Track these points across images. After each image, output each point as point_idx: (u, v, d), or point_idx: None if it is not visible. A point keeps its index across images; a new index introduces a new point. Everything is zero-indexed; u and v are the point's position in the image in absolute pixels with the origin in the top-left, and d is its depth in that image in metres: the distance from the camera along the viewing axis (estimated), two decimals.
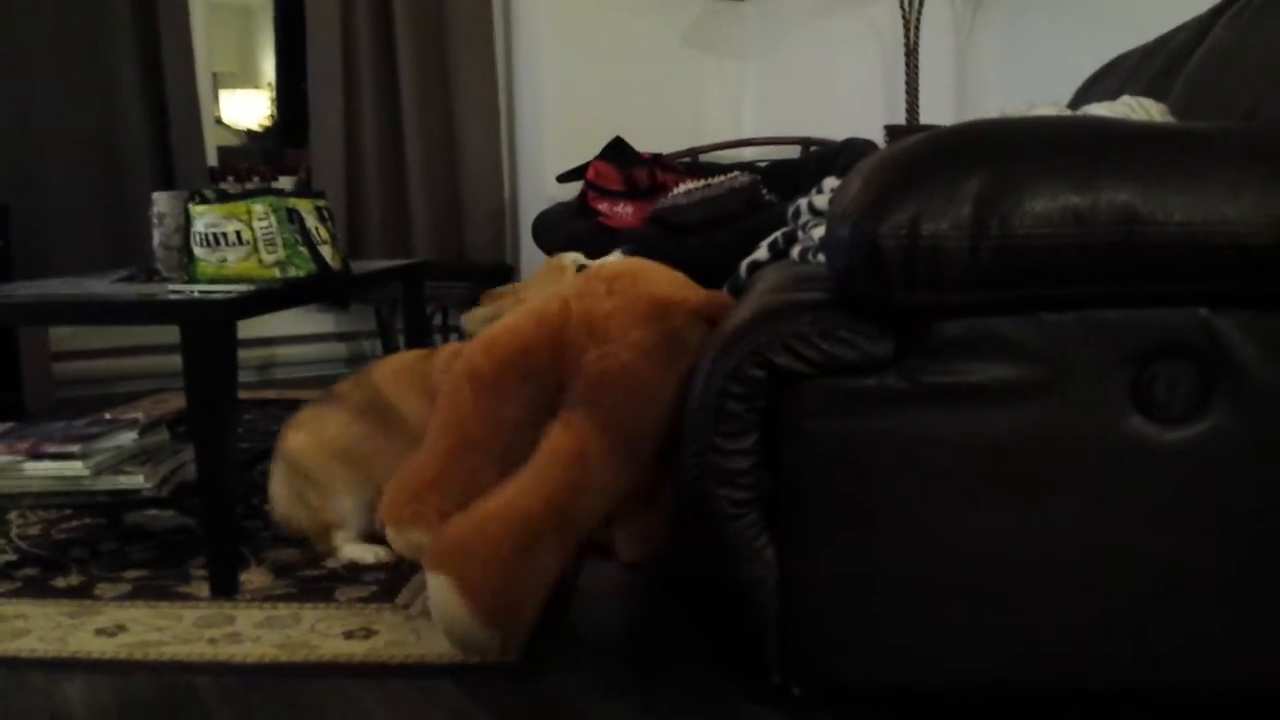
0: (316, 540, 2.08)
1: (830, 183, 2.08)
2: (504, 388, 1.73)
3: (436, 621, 1.54)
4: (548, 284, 2.12)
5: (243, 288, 1.99)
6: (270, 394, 3.74)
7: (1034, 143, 1.23)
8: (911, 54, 3.47)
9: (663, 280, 1.84)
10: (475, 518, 1.54)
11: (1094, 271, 1.21)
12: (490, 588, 1.50)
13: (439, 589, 1.51)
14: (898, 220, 1.19)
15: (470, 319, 2.13)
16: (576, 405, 1.65)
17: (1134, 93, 1.88)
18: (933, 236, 1.18)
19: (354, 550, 2.07)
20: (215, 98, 4.79)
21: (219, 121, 5.55)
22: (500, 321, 1.82)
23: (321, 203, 2.22)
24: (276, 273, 2.06)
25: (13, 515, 2.41)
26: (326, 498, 2.05)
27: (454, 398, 1.74)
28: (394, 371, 2.10)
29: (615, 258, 2.11)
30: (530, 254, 4.20)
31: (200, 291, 1.96)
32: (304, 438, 2.07)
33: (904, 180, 1.21)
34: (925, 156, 1.22)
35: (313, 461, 2.05)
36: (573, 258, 2.21)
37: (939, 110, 3.57)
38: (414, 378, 2.07)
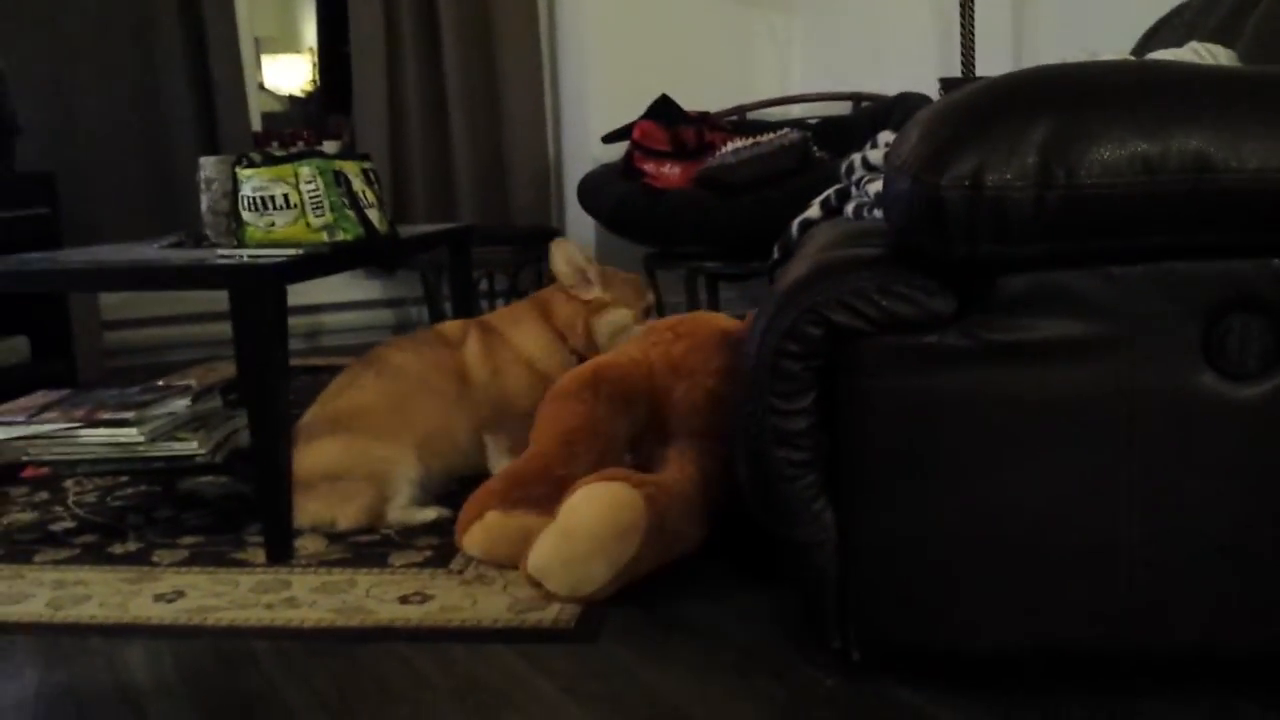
0: (370, 521, 2.06)
1: (885, 137, 2.03)
2: (608, 410, 1.90)
3: (568, 527, 1.64)
4: (630, 294, 2.31)
5: (291, 251, 1.98)
6: (318, 361, 3.75)
7: (1101, 89, 1.18)
8: (967, 3, 3.39)
9: (717, 317, 2.12)
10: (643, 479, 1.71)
11: (1164, 222, 1.16)
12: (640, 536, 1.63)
13: (607, 492, 1.63)
14: (960, 171, 1.15)
15: (564, 247, 2.27)
16: (680, 438, 1.88)
17: (1200, 39, 1.81)
18: (996, 187, 1.14)
19: (419, 514, 2.07)
20: (257, 63, 4.79)
21: (261, 87, 5.56)
22: (595, 360, 2.04)
23: (367, 165, 2.21)
24: (324, 236, 2.05)
25: (69, 483, 2.44)
26: (387, 458, 2.05)
27: (565, 406, 1.90)
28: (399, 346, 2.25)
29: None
30: (576, 216, 4.17)
31: (249, 256, 1.96)
32: (322, 424, 2.10)
33: (966, 129, 1.17)
34: (988, 104, 1.18)
35: (343, 443, 2.06)
36: (650, 299, 2.35)
37: (995, 62, 3.48)
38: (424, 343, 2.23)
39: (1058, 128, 1.15)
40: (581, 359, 2.19)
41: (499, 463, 2.14)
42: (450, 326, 2.30)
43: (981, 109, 1.19)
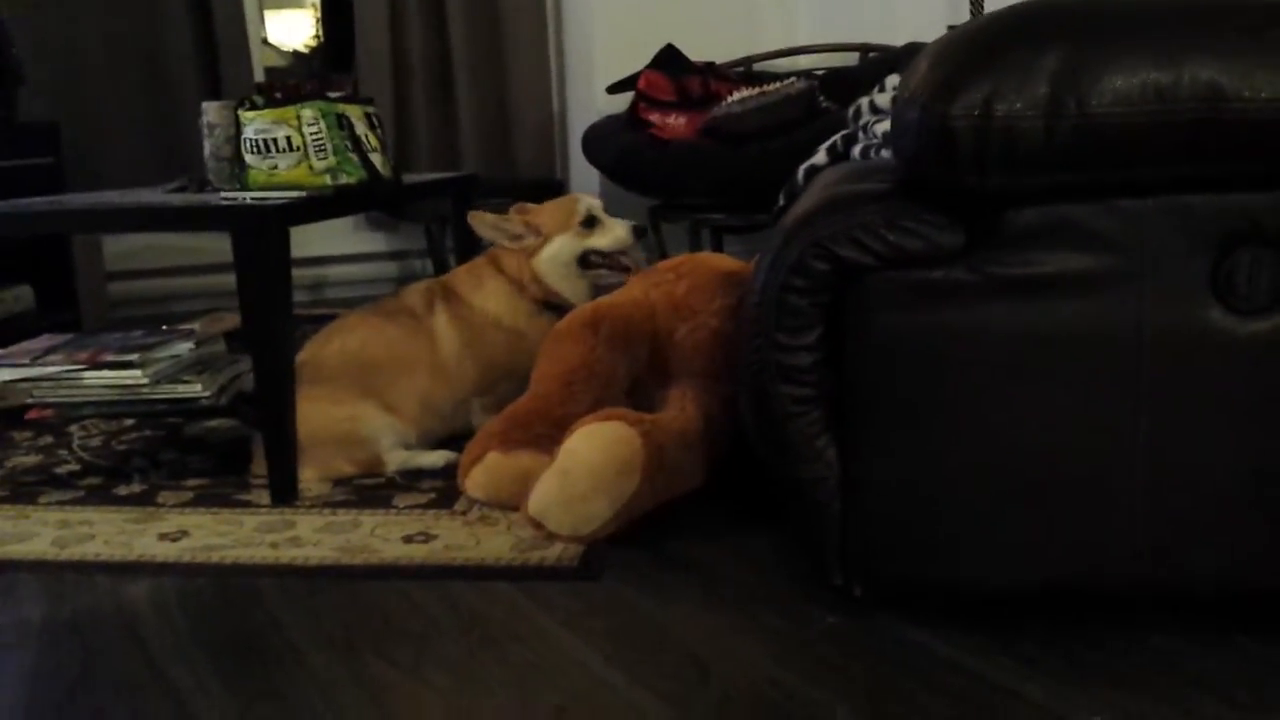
0: (368, 469, 2.05)
1: (893, 80, 2.01)
2: (608, 350, 1.88)
3: (577, 456, 1.64)
4: (560, 218, 2.21)
5: (294, 194, 1.97)
6: (322, 310, 3.75)
7: (1114, 17, 1.17)
8: None
9: (719, 258, 2.10)
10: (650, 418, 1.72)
11: (1176, 152, 1.15)
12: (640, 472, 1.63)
13: (604, 431, 1.63)
14: (970, 100, 1.14)
15: (479, 220, 2.18)
16: (681, 379, 1.87)
17: None
18: (1006, 116, 1.13)
19: (423, 457, 2.07)
20: (261, 18, 4.75)
21: (265, 42, 5.52)
22: (597, 301, 2.00)
23: (370, 109, 2.19)
24: (327, 179, 2.04)
25: (73, 428, 2.44)
26: (353, 418, 2.04)
27: (564, 346, 1.89)
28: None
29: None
30: (580, 168, 4.14)
31: (252, 198, 1.95)
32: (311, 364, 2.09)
33: (976, 58, 1.15)
34: (998, 34, 1.17)
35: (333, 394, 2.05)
36: (586, 204, 2.24)
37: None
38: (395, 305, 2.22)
39: (1069, 56, 1.13)
40: (554, 307, 2.16)
41: (483, 421, 2.11)
42: (414, 296, 2.23)
43: (992, 38, 1.18)
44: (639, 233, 2.24)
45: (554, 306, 2.18)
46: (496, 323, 2.16)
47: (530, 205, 2.27)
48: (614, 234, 2.22)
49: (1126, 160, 1.16)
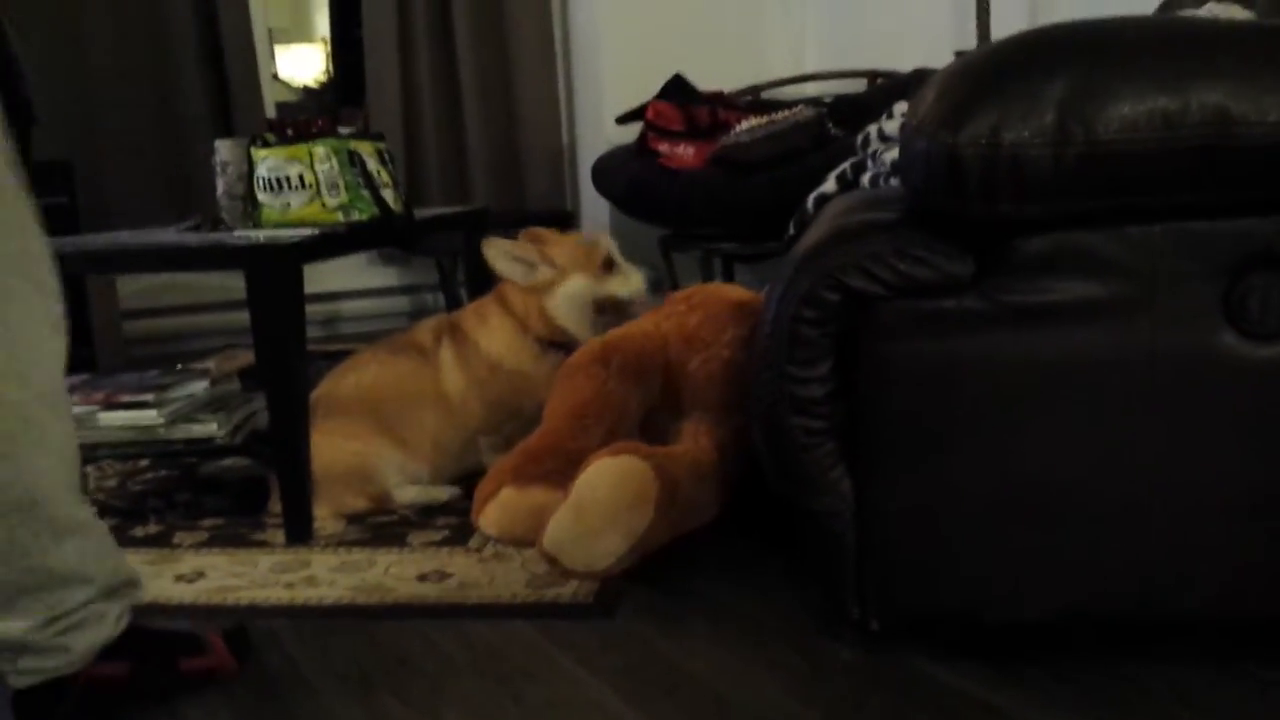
0: (379, 504, 2.06)
1: (901, 107, 2.01)
2: (619, 384, 1.87)
3: (589, 498, 1.64)
4: (578, 257, 2.15)
5: (307, 232, 1.98)
6: (335, 347, 3.76)
7: (1120, 44, 1.17)
8: None
9: (730, 288, 2.08)
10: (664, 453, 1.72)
11: (1184, 178, 1.15)
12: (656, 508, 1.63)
13: (617, 465, 1.63)
14: (977, 129, 1.14)
15: (494, 248, 2.13)
16: (694, 411, 1.88)
17: (1219, 0, 1.79)
18: (1014, 145, 1.13)
19: (427, 493, 2.07)
20: (271, 53, 4.79)
21: (275, 78, 5.57)
22: (608, 335, 1.97)
23: (382, 145, 2.21)
24: (340, 216, 2.05)
25: (89, 469, 2.45)
26: (364, 454, 2.04)
27: (576, 380, 1.88)
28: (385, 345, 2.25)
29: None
30: (590, 199, 4.16)
31: (265, 236, 1.96)
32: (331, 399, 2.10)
33: (982, 87, 1.15)
34: (1005, 62, 1.17)
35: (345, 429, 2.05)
36: (607, 244, 2.19)
37: (1011, 34, 3.45)
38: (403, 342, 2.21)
39: (1075, 84, 1.13)
40: (560, 346, 2.13)
41: (492, 460, 2.10)
42: (424, 333, 2.22)
43: (998, 67, 1.18)
44: (655, 284, 2.19)
45: (560, 345, 2.15)
46: (498, 363, 2.13)
47: (543, 232, 2.22)
48: (632, 283, 2.17)
49: (1135, 187, 1.15)
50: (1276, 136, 1.12)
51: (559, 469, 1.76)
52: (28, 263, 1.25)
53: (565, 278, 2.14)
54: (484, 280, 2.86)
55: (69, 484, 1.28)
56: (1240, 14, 1.64)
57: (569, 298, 2.14)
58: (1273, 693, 1.26)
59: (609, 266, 2.16)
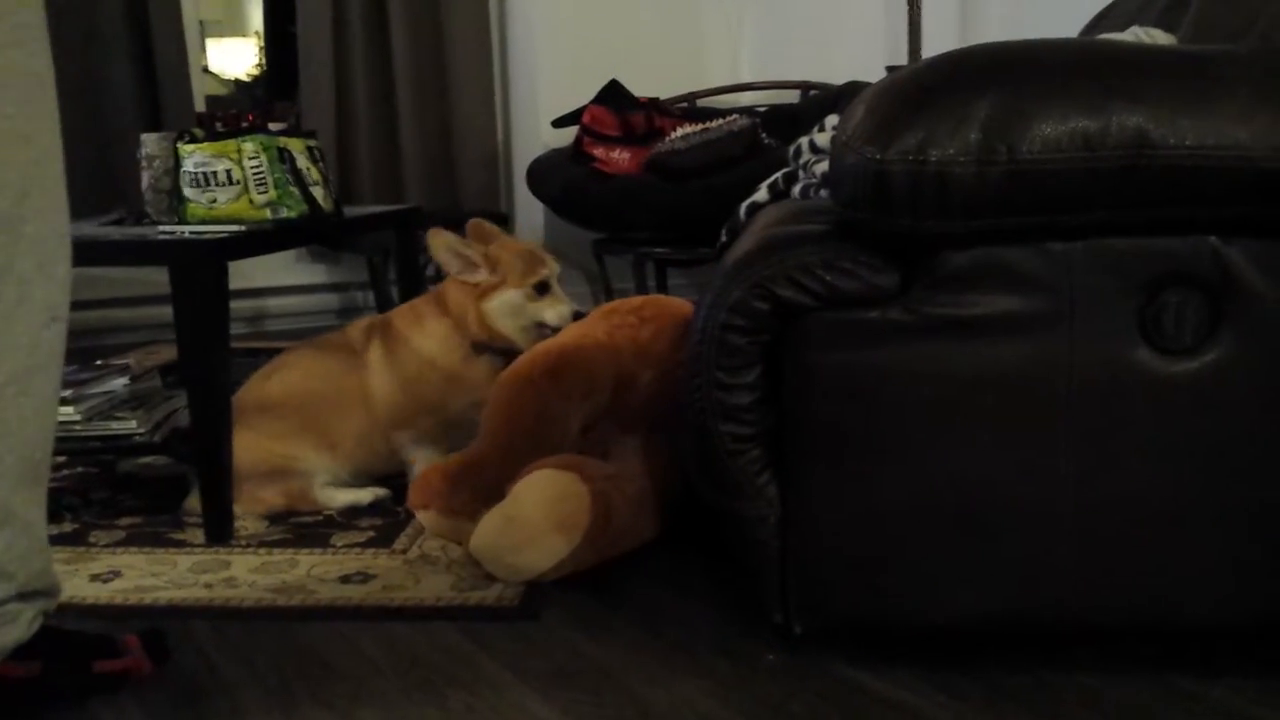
0: (299, 504, 2.04)
1: (832, 120, 2.04)
2: (565, 403, 1.84)
3: (530, 504, 1.64)
4: (520, 270, 2.12)
5: (234, 228, 1.95)
6: (260, 344, 3.71)
7: (1043, 65, 1.19)
8: None
9: (681, 303, 2.03)
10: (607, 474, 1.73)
11: (1103, 197, 1.18)
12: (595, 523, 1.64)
13: (555, 483, 1.64)
14: (904, 145, 1.16)
15: (439, 239, 2.11)
16: (641, 426, 1.85)
17: (1143, 24, 1.84)
18: (940, 162, 1.15)
19: (350, 494, 2.05)
20: (202, 46, 4.71)
21: (206, 70, 5.48)
22: (559, 341, 1.93)
23: (312, 143, 2.18)
24: (268, 213, 2.02)
25: None
26: (289, 455, 2.02)
27: (523, 394, 1.84)
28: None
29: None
30: (525, 201, 4.15)
31: (190, 232, 1.93)
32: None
33: (910, 105, 1.18)
34: (932, 80, 1.19)
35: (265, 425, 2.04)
36: (551, 267, 2.17)
37: (942, 51, 3.51)
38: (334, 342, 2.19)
39: (1000, 103, 1.16)
40: (493, 349, 2.11)
41: (411, 456, 2.10)
42: (355, 332, 2.20)
43: (926, 85, 1.20)
44: (577, 317, 2.15)
45: (495, 349, 2.13)
46: (431, 363, 2.11)
47: (490, 228, 2.19)
48: (558, 311, 2.14)
49: (1056, 205, 1.18)
50: (1193, 159, 1.15)
51: (489, 490, 1.74)
52: (37, 246, 1.24)
53: (502, 287, 2.12)
54: (415, 279, 2.85)
55: (19, 475, 1.24)
56: (1163, 38, 1.68)
57: (504, 307, 2.12)
58: (1194, 705, 1.29)
59: (543, 289, 2.14)
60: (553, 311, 2.14)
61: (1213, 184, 1.16)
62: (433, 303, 2.17)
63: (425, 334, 2.13)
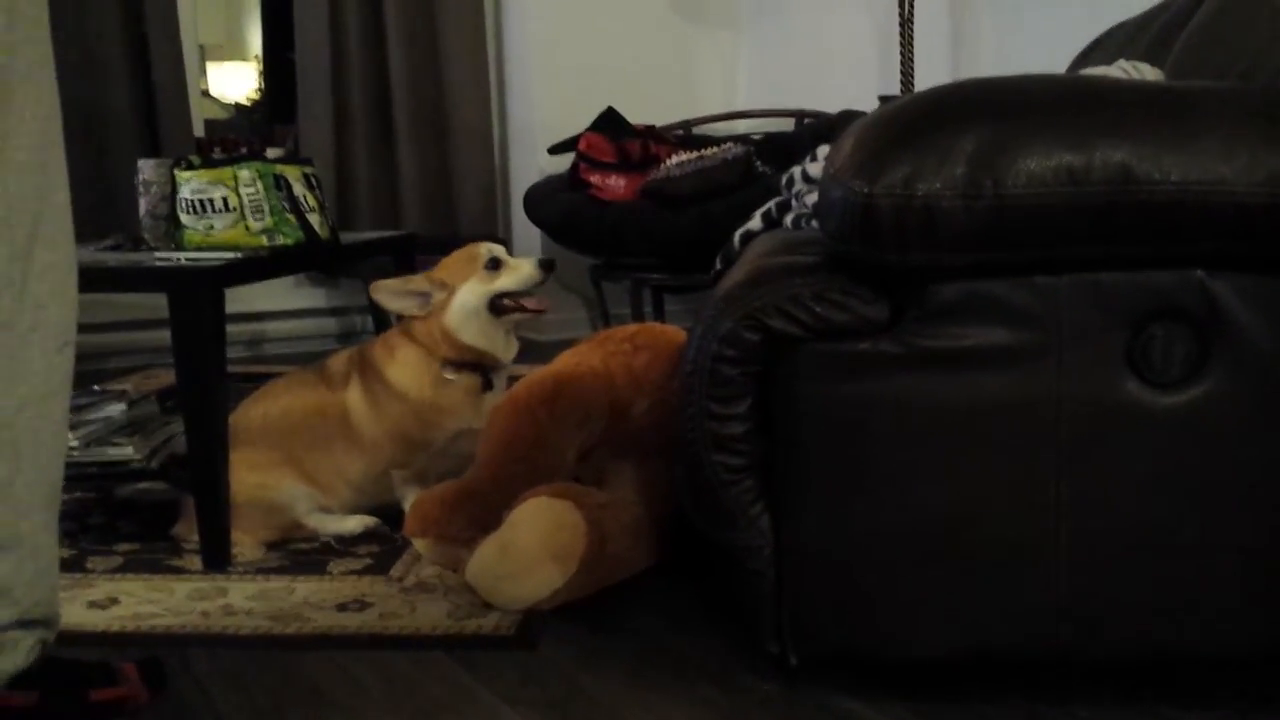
0: (290, 533, 2.04)
1: (824, 150, 2.05)
2: (560, 432, 1.84)
3: (526, 532, 1.66)
4: (462, 268, 2.12)
5: (230, 255, 1.97)
6: (260, 369, 3.72)
7: (1029, 101, 1.21)
8: (906, 24, 3.45)
9: (674, 330, 2.03)
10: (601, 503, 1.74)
11: (1088, 232, 1.19)
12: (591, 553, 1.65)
13: (550, 511, 1.65)
14: (891, 180, 1.17)
15: (381, 290, 2.11)
16: (635, 453, 1.86)
17: (1130, 59, 1.86)
18: (926, 196, 1.17)
19: (340, 523, 2.05)
20: (202, 70, 4.74)
21: (206, 94, 5.51)
22: (554, 369, 1.93)
23: (309, 170, 2.20)
24: (264, 240, 2.04)
25: None
26: (268, 489, 2.02)
27: (519, 422, 1.84)
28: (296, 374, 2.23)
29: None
30: (522, 227, 4.17)
31: (187, 259, 1.95)
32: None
33: (897, 139, 1.19)
34: (920, 115, 1.21)
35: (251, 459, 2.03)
36: (488, 248, 2.15)
37: (934, 81, 3.51)
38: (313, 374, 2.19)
39: (987, 138, 1.18)
40: (475, 367, 2.10)
41: (404, 493, 2.09)
42: (338, 364, 2.18)
43: (913, 120, 1.22)
44: (547, 266, 2.13)
45: (475, 366, 2.11)
46: (403, 395, 2.08)
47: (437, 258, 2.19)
48: (521, 272, 2.11)
49: (1041, 239, 1.20)
50: (1176, 195, 1.17)
51: (486, 517, 1.75)
52: (49, 272, 1.26)
53: (455, 293, 2.10)
54: None
55: (31, 500, 1.25)
56: (1150, 73, 1.71)
57: (461, 308, 2.08)
58: None
59: (495, 265, 2.11)
60: (512, 277, 2.11)
61: (1195, 219, 1.18)
62: (402, 333, 2.14)
63: (398, 366, 2.10)
